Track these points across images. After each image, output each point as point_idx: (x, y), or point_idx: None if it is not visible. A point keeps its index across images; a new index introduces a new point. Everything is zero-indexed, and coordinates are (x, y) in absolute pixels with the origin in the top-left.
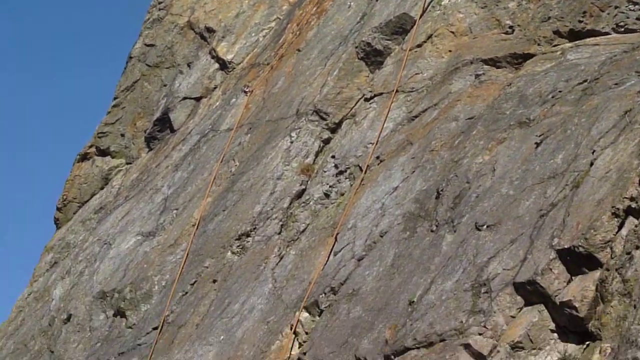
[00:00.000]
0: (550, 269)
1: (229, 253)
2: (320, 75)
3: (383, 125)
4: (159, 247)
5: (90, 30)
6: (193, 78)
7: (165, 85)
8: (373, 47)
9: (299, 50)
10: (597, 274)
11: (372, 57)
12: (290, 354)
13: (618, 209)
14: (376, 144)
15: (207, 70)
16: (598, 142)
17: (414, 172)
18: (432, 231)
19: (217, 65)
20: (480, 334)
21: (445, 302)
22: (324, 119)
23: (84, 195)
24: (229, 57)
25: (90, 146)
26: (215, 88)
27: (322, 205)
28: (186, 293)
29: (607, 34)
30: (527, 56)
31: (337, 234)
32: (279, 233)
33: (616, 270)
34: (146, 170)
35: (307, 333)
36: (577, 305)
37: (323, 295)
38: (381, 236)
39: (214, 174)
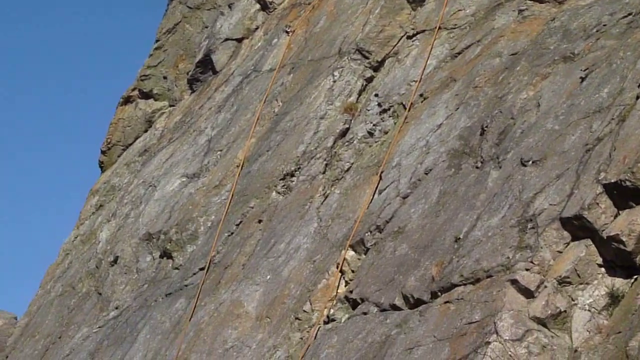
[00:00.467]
0: (597, 204)
1: (274, 193)
2: (362, 14)
3: (426, 62)
4: (204, 188)
5: None
6: (234, 19)
7: (206, 27)
8: None
9: None
10: None
11: None
12: (337, 292)
13: None
14: (419, 81)
15: (248, 11)
16: None
17: (457, 109)
18: (477, 168)
19: (258, 6)
20: (527, 270)
21: (492, 238)
22: (367, 58)
23: (128, 138)
24: None
25: (133, 89)
26: (256, 29)
27: (366, 144)
28: (232, 233)
29: None
30: None
31: (382, 172)
32: (324, 172)
33: None
34: (189, 112)
35: (353, 271)
36: (624, 240)
37: (369, 233)
38: (426, 174)
39: (257, 115)
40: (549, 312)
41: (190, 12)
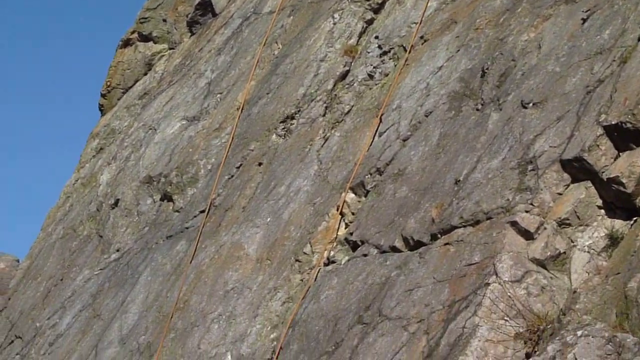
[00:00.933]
0: (597, 146)
1: (274, 136)
2: None
3: (427, 4)
4: (204, 131)
5: None
6: None
7: None
8: None
9: None
10: None
11: None
12: (337, 234)
13: None
14: (420, 23)
15: None
16: None
17: (458, 51)
18: (477, 110)
19: None
20: (527, 212)
21: (492, 180)
22: (367, 0)
23: (128, 81)
24: None
25: (133, 32)
26: None
27: (366, 87)
28: (232, 176)
29: None
30: None
31: (382, 114)
32: (324, 115)
33: None
34: (189, 55)
35: (353, 214)
36: (624, 182)
37: (369, 175)
38: (426, 116)
39: (257, 57)
40: (549, 253)
41: None
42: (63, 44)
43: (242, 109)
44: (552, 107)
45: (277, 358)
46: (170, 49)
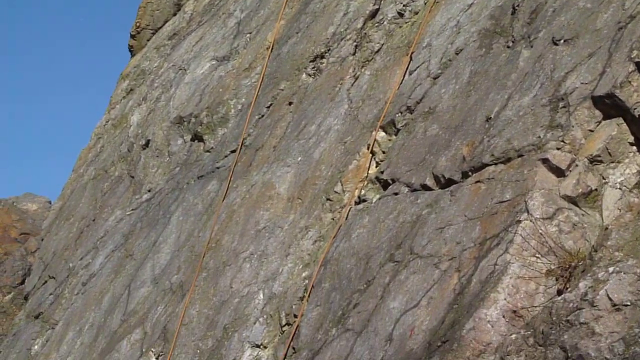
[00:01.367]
0: (629, 82)
1: (304, 75)
2: None
3: None
4: (234, 71)
5: None
6: None
7: None
8: None
9: None
10: None
11: None
12: (368, 173)
13: None
14: None
15: None
16: None
17: None
18: (508, 47)
19: None
20: (558, 149)
21: (523, 118)
22: None
23: (157, 22)
24: None
25: None
26: None
27: (396, 25)
28: (262, 116)
29: None
30: None
31: (412, 52)
32: (353, 54)
33: None
34: None
35: (384, 152)
36: None
37: (399, 114)
38: (456, 54)
39: None
40: (580, 190)
41: None
42: None
43: (271, 49)
44: (583, 44)
45: (309, 296)
46: None
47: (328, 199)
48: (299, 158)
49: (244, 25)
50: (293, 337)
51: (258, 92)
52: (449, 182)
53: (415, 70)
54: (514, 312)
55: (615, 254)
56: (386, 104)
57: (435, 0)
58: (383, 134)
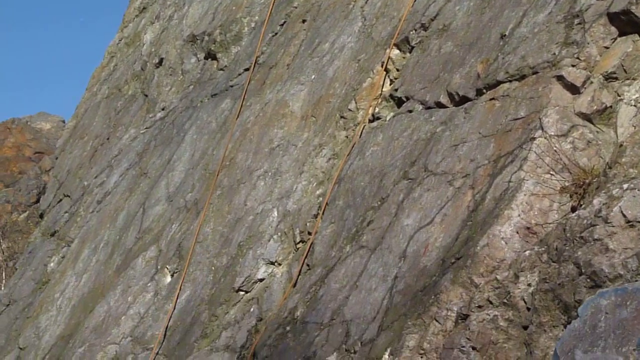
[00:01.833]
0: None
1: None
2: None
3: None
4: None
5: None
6: None
7: None
8: None
9: None
10: None
11: None
12: (382, 90)
13: None
14: None
15: None
16: None
17: None
18: None
19: None
20: (573, 66)
21: (538, 35)
22: None
23: None
24: None
25: None
26: None
27: None
28: (276, 34)
29: None
30: None
31: None
32: None
33: None
34: None
35: (398, 70)
36: None
37: (413, 31)
38: None
39: None
40: (595, 107)
41: None
42: None
43: None
44: None
45: (323, 214)
46: None
47: (342, 117)
48: (313, 76)
49: None
50: (307, 254)
51: (271, 9)
52: (463, 100)
53: None
54: (528, 228)
55: (630, 171)
56: (400, 21)
57: None
58: (397, 51)
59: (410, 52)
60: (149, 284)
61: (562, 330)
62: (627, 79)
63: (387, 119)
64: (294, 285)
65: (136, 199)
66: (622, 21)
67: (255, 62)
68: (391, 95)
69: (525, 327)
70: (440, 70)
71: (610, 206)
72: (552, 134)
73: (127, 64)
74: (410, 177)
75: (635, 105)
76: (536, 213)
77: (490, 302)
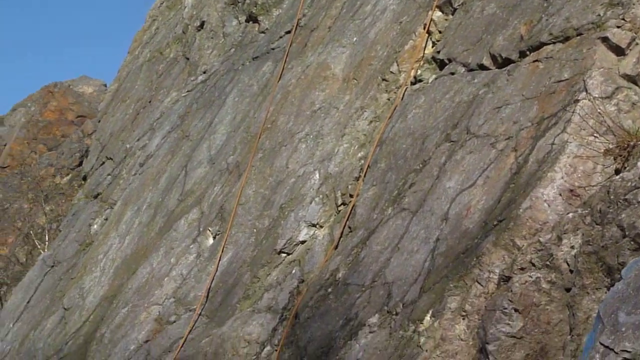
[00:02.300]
0: None
1: None
2: None
3: None
4: None
5: None
6: None
7: None
8: None
9: None
10: None
11: None
12: (424, 53)
13: None
14: None
15: None
16: None
17: None
18: None
19: None
20: (618, 27)
21: None
22: None
23: None
24: None
25: None
26: None
27: None
28: None
29: None
30: None
31: None
32: None
33: None
34: None
35: (440, 32)
36: None
37: None
38: None
39: None
40: None
41: None
42: None
43: None
44: None
45: (364, 176)
46: None
47: (384, 79)
48: (355, 38)
49: None
50: (349, 216)
51: None
52: (506, 62)
53: None
54: (571, 191)
55: None
56: None
57: None
58: (439, 13)
59: (452, 14)
60: (191, 246)
61: (605, 293)
62: None
63: (429, 81)
64: (336, 247)
65: (178, 161)
66: None
67: (296, 25)
68: (433, 58)
69: (568, 290)
70: (482, 32)
71: None
72: (597, 96)
73: (169, 27)
74: (452, 139)
75: None
76: (579, 175)
77: (533, 265)
